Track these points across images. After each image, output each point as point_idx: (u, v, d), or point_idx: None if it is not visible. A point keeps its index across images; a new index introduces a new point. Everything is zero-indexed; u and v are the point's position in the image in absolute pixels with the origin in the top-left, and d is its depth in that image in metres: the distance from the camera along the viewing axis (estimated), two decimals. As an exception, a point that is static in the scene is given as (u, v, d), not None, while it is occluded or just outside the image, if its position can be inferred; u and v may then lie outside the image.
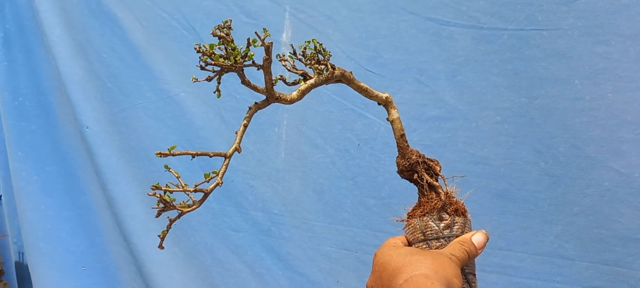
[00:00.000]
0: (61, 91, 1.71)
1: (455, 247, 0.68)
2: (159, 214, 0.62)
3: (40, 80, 1.77)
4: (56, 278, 1.79)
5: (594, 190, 1.16)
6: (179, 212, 0.63)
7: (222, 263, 1.61)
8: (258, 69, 0.67)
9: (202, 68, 0.62)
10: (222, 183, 0.62)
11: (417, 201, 0.75)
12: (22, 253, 1.97)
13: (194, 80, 0.63)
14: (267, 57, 0.64)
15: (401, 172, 0.76)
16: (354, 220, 1.45)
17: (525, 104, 1.17)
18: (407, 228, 0.73)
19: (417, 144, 1.33)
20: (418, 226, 0.71)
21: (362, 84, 0.75)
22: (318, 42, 0.73)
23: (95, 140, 1.66)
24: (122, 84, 1.61)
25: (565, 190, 1.18)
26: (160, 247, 0.64)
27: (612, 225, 1.16)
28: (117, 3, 1.56)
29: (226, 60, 0.62)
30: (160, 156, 0.60)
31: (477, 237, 0.69)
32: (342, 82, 0.75)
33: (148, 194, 0.60)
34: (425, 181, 0.73)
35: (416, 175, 0.74)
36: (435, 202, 0.72)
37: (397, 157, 0.76)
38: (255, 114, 1.51)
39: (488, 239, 0.70)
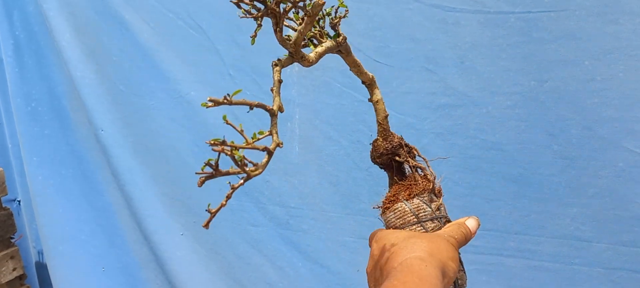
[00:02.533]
0: (74, 95, 1.83)
1: (453, 229, 0.69)
2: (202, 182, 0.55)
3: (53, 85, 1.89)
4: (77, 280, 1.94)
5: (609, 171, 1.23)
6: (245, 175, 0.59)
7: (243, 258, 1.73)
8: (298, 23, 0.73)
9: (243, 11, 0.63)
10: (282, 144, 0.64)
11: (394, 186, 0.76)
12: (42, 255, 2.12)
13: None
14: (310, 11, 0.62)
15: (380, 155, 0.77)
16: (370, 210, 1.54)
17: (536, 87, 1.23)
18: (390, 213, 0.73)
19: (429, 133, 1.41)
20: (408, 209, 0.72)
21: (356, 58, 0.78)
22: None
23: (110, 142, 1.78)
24: (134, 85, 1.72)
25: (579, 172, 1.25)
26: (206, 226, 0.60)
27: (628, 206, 1.23)
28: (124, 6, 1.67)
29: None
30: (209, 106, 0.56)
31: (471, 222, 0.72)
32: (341, 52, 0.77)
33: (212, 148, 0.54)
34: (410, 164, 0.76)
35: (397, 158, 0.76)
36: (425, 183, 0.74)
37: (377, 139, 0.78)
38: (260, 110, 1.60)
39: (479, 225, 0.74)
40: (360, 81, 1.44)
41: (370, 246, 0.73)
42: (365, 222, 1.58)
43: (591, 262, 1.29)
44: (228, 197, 0.59)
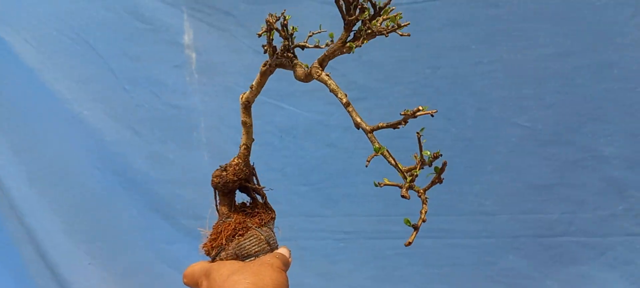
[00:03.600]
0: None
1: (276, 254, 0.73)
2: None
3: None
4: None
5: (504, 147, 1.33)
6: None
7: (163, 277, 1.69)
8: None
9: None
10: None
11: (237, 213, 0.77)
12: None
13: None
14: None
15: (237, 180, 0.77)
16: (288, 210, 1.57)
17: (430, 75, 1.31)
18: (246, 240, 0.74)
19: (337, 127, 1.45)
20: (263, 237, 0.74)
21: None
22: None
23: (4, 174, 1.67)
24: (21, 110, 1.61)
25: (477, 151, 1.34)
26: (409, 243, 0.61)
27: (524, 177, 1.34)
28: (3, 27, 1.56)
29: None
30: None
31: (284, 250, 0.76)
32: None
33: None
34: (261, 193, 0.79)
35: (247, 185, 0.78)
36: (271, 213, 0.79)
37: (239, 162, 0.79)
38: (162, 123, 1.56)
39: (290, 252, 0.77)
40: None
41: (195, 284, 0.73)
42: (284, 222, 1.58)
43: (497, 233, 1.40)
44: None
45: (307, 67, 0.73)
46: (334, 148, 1.46)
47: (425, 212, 0.62)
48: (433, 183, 0.65)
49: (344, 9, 0.69)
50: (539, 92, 1.25)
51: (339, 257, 1.53)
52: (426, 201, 0.65)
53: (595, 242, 1.34)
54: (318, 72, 0.72)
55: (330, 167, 1.49)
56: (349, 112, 0.71)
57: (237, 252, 0.73)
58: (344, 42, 0.71)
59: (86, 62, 1.53)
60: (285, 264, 0.72)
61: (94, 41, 1.51)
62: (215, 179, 0.78)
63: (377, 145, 0.70)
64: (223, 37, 1.40)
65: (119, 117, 1.58)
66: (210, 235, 0.76)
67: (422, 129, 0.66)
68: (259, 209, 0.78)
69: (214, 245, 0.75)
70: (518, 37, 1.25)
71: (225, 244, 0.74)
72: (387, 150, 0.69)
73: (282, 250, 0.75)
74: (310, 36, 0.79)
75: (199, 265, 0.73)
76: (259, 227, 0.75)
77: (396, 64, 1.31)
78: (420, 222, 0.62)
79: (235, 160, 0.79)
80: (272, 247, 0.75)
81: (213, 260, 0.74)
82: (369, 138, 0.72)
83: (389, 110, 1.37)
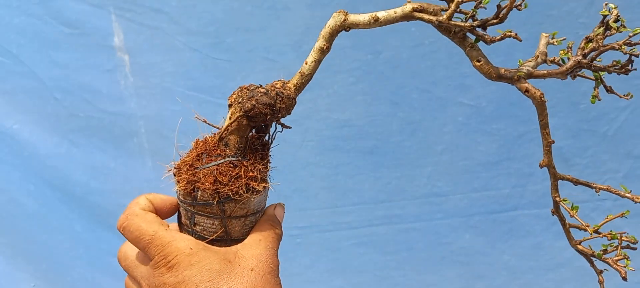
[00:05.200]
0: None
1: (271, 238, 0.59)
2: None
3: None
4: None
5: (451, 127, 1.35)
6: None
7: (113, 292, 1.65)
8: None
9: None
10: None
11: (254, 156, 0.60)
12: None
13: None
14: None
15: (277, 117, 0.60)
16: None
17: (373, 61, 1.31)
18: (261, 196, 0.59)
19: (282, 119, 1.44)
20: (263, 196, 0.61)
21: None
22: None
23: None
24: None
25: (426, 133, 1.36)
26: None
27: (473, 154, 1.37)
28: None
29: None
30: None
31: (279, 211, 0.64)
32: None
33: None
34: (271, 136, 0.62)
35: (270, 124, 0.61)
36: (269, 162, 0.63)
37: (289, 96, 0.61)
38: (100, 131, 1.51)
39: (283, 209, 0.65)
40: (204, 82, 1.43)
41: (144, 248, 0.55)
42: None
43: (451, 214, 1.42)
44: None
45: (514, 70, 0.58)
46: (281, 142, 1.44)
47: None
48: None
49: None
50: (480, 69, 1.28)
51: (295, 253, 1.52)
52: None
53: (546, 213, 1.37)
54: (532, 91, 0.57)
55: (279, 163, 1.47)
56: (546, 152, 0.61)
57: (250, 208, 0.58)
58: (571, 72, 0.57)
59: (11, 72, 1.46)
60: (280, 238, 0.59)
61: (18, 50, 1.44)
62: (260, 107, 0.57)
63: (557, 196, 0.64)
64: (156, 36, 1.36)
65: (52, 129, 1.52)
66: (209, 171, 0.56)
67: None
68: (268, 153, 0.62)
69: (218, 190, 0.55)
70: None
71: (242, 196, 0.56)
72: (573, 205, 0.63)
73: (278, 213, 0.62)
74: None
75: (149, 221, 0.54)
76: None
77: (336, 52, 1.30)
78: None
79: (293, 91, 0.61)
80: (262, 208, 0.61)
81: (196, 206, 0.57)
82: (553, 185, 0.64)
83: (333, 99, 1.37)
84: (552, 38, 0.61)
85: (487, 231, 1.42)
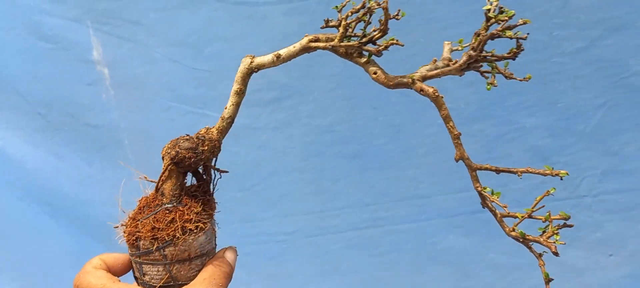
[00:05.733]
0: None
1: (217, 275, 0.61)
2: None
3: None
4: None
5: (433, 128, 1.36)
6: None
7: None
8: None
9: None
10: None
11: (191, 199, 0.63)
12: None
13: None
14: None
15: (203, 161, 0.63)
16: (228, 217, 1.54)
17: (351, 66, 1.31)
18: (202, 235, 0.61)
19: (266, 129, 1.45)
20: (215, 232, 0.64)
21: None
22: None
23: None
24: None
25: (408, 135, 1.37)
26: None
27: (455, 155, 1.38)
28: None
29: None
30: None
31: (230, 255, 0.66)
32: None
33: None
34: (212, 180, 0.65)
35: (209, 167, 0.65)
36: (215, 204, 0.67)
37: (212, 139, 0.64)
38: (85, 144, 1.52)
39: (237, 255, 0.66)
40: (185, 93, 1.44)
41: None
42: (224, 230, 1.58)
43: (435, 214, 1.44)
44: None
45: (408, 76, 0.65)
46: (266, 150, 1.46)
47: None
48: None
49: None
50: (458, 71, 1.29)
51: (284, 257, 1.53)
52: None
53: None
54: (427, 89, 0.64)
55: (264, 170, 1.49)
56: (456, 144, 0.66)
57: (191, 250, 0.59)
58: (465, 67, 0.63)
59: (-9, 89, 1.47)
60: (229, 277, 0.62)
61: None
62: (184, 152, 0.62)
63: (479, 186, 0.68)
64: (135, 49, 1.37)
65: (38, 144, 1.53)
66: (147, 221, 0.60)
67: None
68: (209, 197, 0.65)
69: (156, 236, 0.58)
70: (432, 19, 1.28)
71: (178, 238, 0.58)
72: (493, 191, 0.67)
73: (228, 255, 0.64)
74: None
75: (99, 276, 0.59)
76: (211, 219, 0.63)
77: (315, 59, 1.31)
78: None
79: (215, 133, 0.65)
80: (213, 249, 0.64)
81: (141, 256, 0.60)
82: (472, 177, 0.68)
83: (315, 105, 1.38)
84: (458, 44, 0.67)
85: (472, 230, 1.43)
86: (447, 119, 0.65)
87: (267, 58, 0.68)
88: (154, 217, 0.60)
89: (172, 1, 1.32)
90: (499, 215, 0.66)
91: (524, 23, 0.60)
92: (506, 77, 0.63)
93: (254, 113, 1.41)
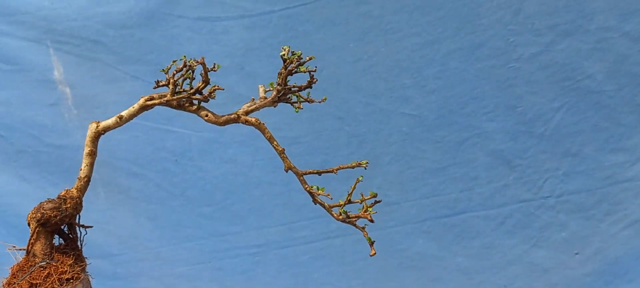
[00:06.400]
0: None
1: None
2: None
3: None
4: None
5: (397, 137, 1.38)
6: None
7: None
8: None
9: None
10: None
11: (62, 256, 0.69)
12: None
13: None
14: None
15: (68, 218, 0.70)
16: (197, 233, 1.56)
17: (314, 77, 1.33)
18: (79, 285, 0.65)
19: (232, 143, 1.45)
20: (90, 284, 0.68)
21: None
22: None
23: None
24: None
25: (373, 144, 1.39)
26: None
27: (419, 162, 1.40)
28: None
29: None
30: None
31: None
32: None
33: None
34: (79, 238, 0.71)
35: (71, 225, 0.71)
36: (84, 258, 0.73)
37: (73, 197, 0.71)
38: (49, 165, 1.51)
39: None
40: (149, 110, 1.43)
41: None
42: (195, 247, 1.58)
43: (403, 221, 1.45)
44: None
45: (233, 113, 0.79)
46: (233, 164, 1.46)
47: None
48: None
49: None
50: (418, 80, 1.31)
51: (256, 271, 1.53)
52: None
53: (494, 213, 1.42)
54: (250, 120, 0.78)
55: (232, 184, 1.49)
56: (283, 158, 0.78)
57: None
58: (276, 100, 0.80)
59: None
60: None
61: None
62: (49, 213, 0.69)
63: (307, 187, 0.80)
64: (96, 68, 1.36)
65: (1, 167, 1.51)
66: (24, 282, 0.66)
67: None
68: (78, 252, 0.72)
69: None
70: (391, 30, 1.30)
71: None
72: (317, 187, 0.79)
73: None
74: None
75: None
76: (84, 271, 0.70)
77: (277, 72, 1.33)
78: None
79: (75, 192, 0.74)
80: None
81: None
82: (300, 181, 0.81)
83: (279, 118, 1.39)
84: (269, 87, 0.85)
85: (439, 235, 1.45)
86: (271, 139, 0.81)
87: (111, 121, 0.79)
88: (30, 276, 0.66)
89: (131, 18, 1.32)
90: (327, 206, 0.83)
91: (310, 59, 0.80)
92: (309, 102, 0.83)
93: (216, 128, 1.41)
